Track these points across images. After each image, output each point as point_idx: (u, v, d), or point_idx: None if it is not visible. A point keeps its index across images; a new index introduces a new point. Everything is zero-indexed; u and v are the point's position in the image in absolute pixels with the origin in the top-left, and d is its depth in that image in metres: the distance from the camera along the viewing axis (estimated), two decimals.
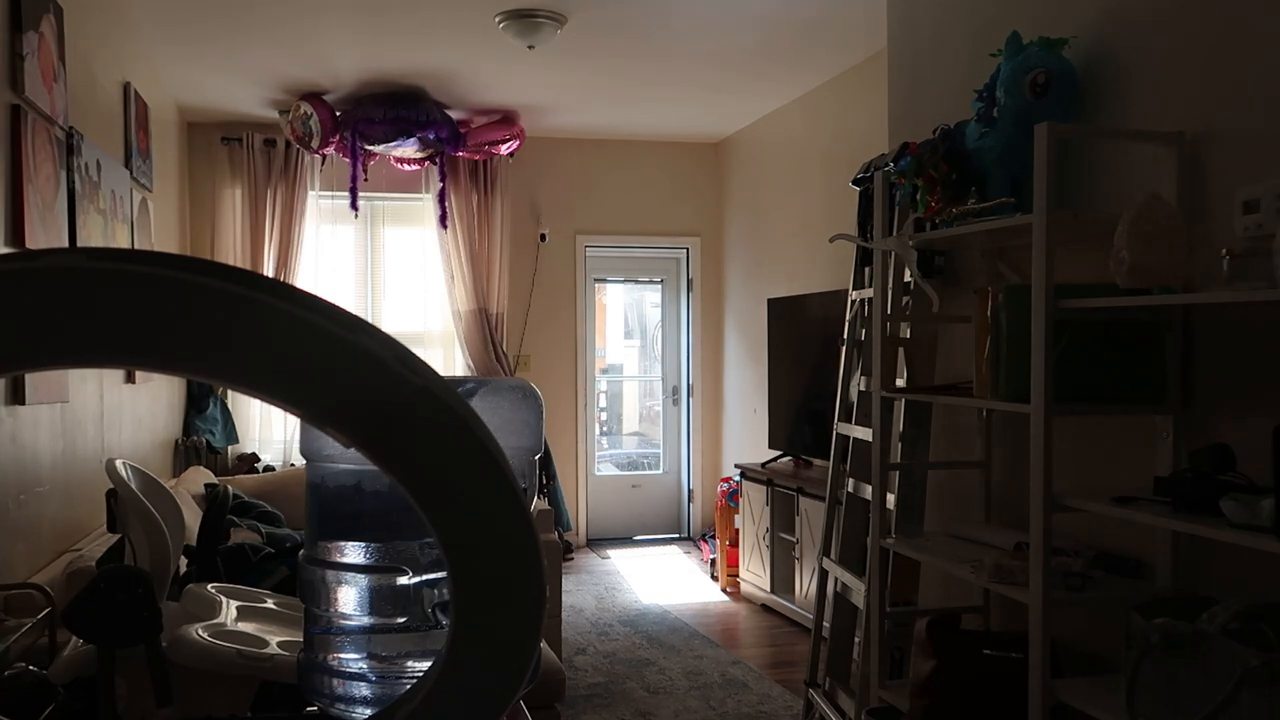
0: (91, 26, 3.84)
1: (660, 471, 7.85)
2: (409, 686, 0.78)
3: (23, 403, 2.84)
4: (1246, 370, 2.22)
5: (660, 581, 6.39)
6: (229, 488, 2.98)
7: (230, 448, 6.37)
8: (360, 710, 0.94)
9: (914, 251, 2.92)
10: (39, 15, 3.08)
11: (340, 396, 0.52)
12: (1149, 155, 2.45)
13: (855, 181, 3.75)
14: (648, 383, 8.15)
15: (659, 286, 7.89)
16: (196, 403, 6.05)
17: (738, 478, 6.08)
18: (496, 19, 4.62)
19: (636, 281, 8.00)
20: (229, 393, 6.34)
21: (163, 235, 5.31)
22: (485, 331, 6.90)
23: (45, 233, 3.09)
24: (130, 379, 4.35)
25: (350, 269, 7.02)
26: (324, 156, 6.47)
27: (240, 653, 1.42)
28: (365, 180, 6.26)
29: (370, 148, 6.11)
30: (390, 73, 5.63)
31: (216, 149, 6.58)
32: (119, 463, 1.74)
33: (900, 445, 3.28)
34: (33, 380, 2.87)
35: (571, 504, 7.30)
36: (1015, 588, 2.38)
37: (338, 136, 6.04)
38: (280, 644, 1.47)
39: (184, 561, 2.14)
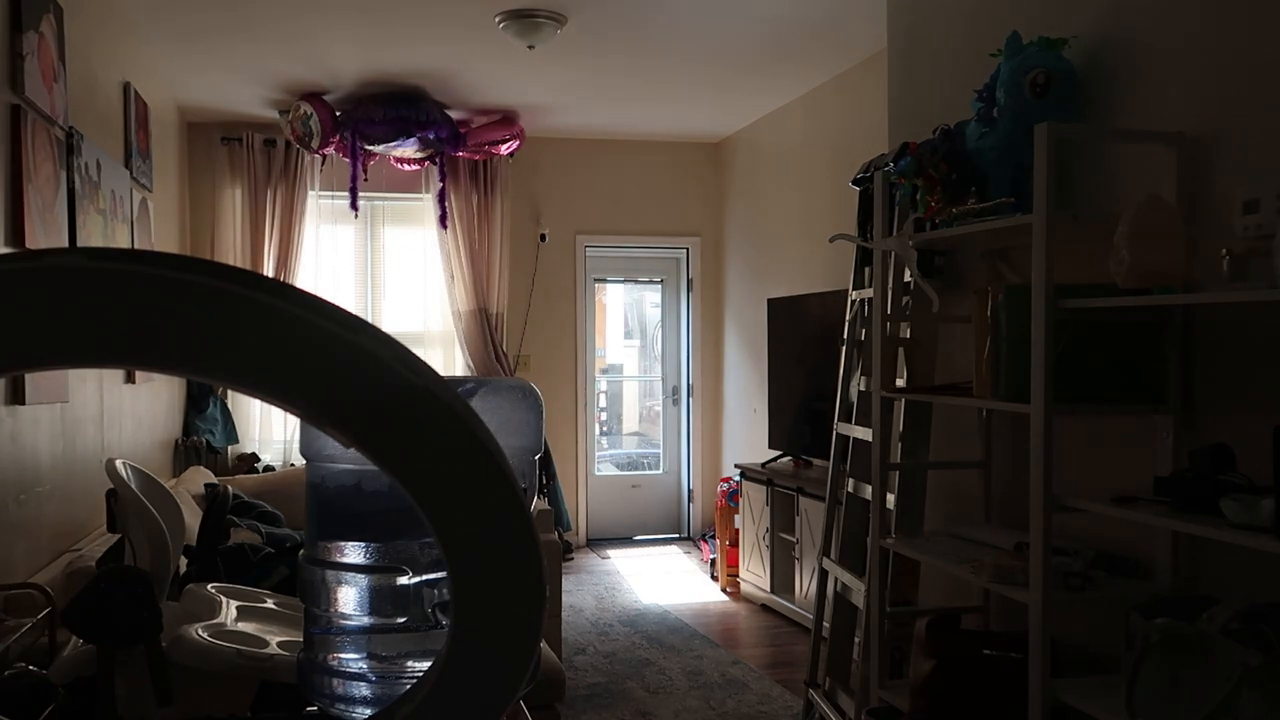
0: (91, 26, 3.84)
1: (660, 471, 7.85)
2: (409, 686, 0.78)
3: (23, 403, 2.84)
4: (1246, 370, 2.23)
5: (660, 581, 6.39)
6: (229, 488, 2.98)
7: (230, 448, 6.37)
8: (360, 710, 0.94)
9: (914, 251, 2.92)
10: (39, 15, 3.08)
11: (340, 396, 0.52)
12: (1149, 155, 2.45)
13: (855, 181, 3.75)
14: (648, 383, 8.15)
15: (659, 286, 7.89)
16: (196, 403, 6.05)
17: (738, 478, 6.08)
18: (496, 19, 4.62)
19: (636, 281, 8.00)
20: (229, 393, 6.34)
21: (163, 235, 5.31)
22: (485, 331, 6.90)
23: (45, 233, 3.09)
24: (130, 379, 4.35)
25: (350, 269, 7.02)
26: (324, 156, 6.47)
27: (240, 653, 1.42)
28: (365, 180, 6.26)
29: (370, 148, 6.10)
30: (390, 73, 5.63)
31: (216, 149, 6.58)
32: (119, 463, 1.74)
33: (900, 445, 3.28)
34: (33, 380, 2.87)
35: (571, 504, 7.30)
36: (1015, 588, 2.38)
37: (338, 136, 6.04)
38: (280, 644, 1.47)
39: (184, 561, 2.14)
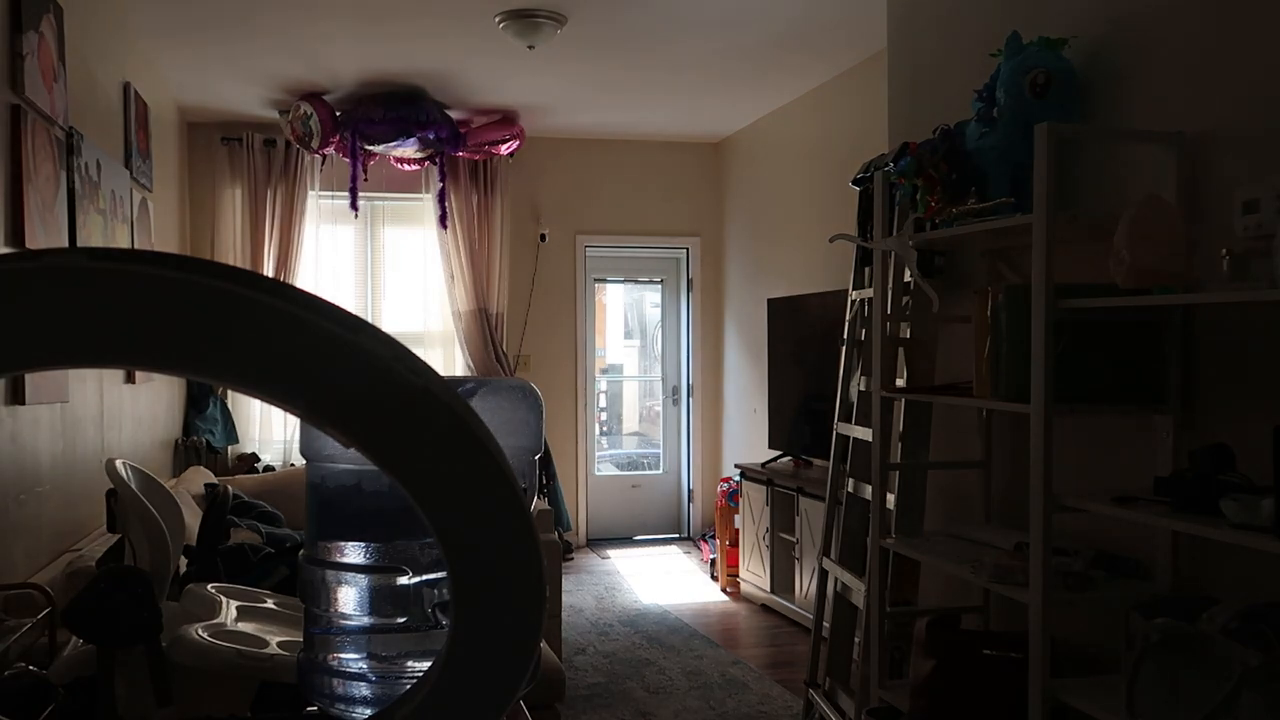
0: (91, 26, 3.84)
1: (660, 471, 7.85)
2: (409, 686, 0.78)
3: (23, 403, 2.84)
4: (1246, 370, 2.23)
5: (660, 581, 6.39)
6: (229, 488, 2.98)
7: (230, 448, 6.36)
8: (360, 710, 0.94)
9: (914, 251, 2.92)
10: (39, 15, 3.08)
11: (340, 396, 0.52)
12: (1149, 155, 2.45)
13: (855, 181, 3.75)
14: (648, 383, 8.15)
15: (659, 286, 7.89)
16: (196, 403, 6.05)
17: (738, 478, 6.08)
18: (496, 19, 4.62)
19: (636, 281, 8.00)
20: (229, 393, 6.33)
21: (163, 235, 5.31)
22: (485, 331, 6.90)
23: (45, 233, 3.09)
24: (130, 379, 4.35)
25: (350, 269, 7.02)
26: (324, 156, 6.47)
27: (240, 653, 1.42)
28: (365, 180, 6.26)
29: (370, 148, 6.10)
30: (390, 73, 5.63)
31: (216, 149, 6.58)
32: (119, 463, 1.74)
33: (900, 445, 3.28)
34: (33, 380, 2.87)
35: (571, 504, 7.30)
36: (1015, 588, 2.38)
37: (338, 136, 6.04)
38: (280, 644, 1.47)
39: (184, 561, 2.14)
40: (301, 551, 1.01)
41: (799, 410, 5.82)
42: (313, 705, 1.01)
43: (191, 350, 0.50)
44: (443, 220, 6.75)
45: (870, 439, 3.18)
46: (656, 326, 7.95)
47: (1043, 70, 2.56)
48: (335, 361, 0.51)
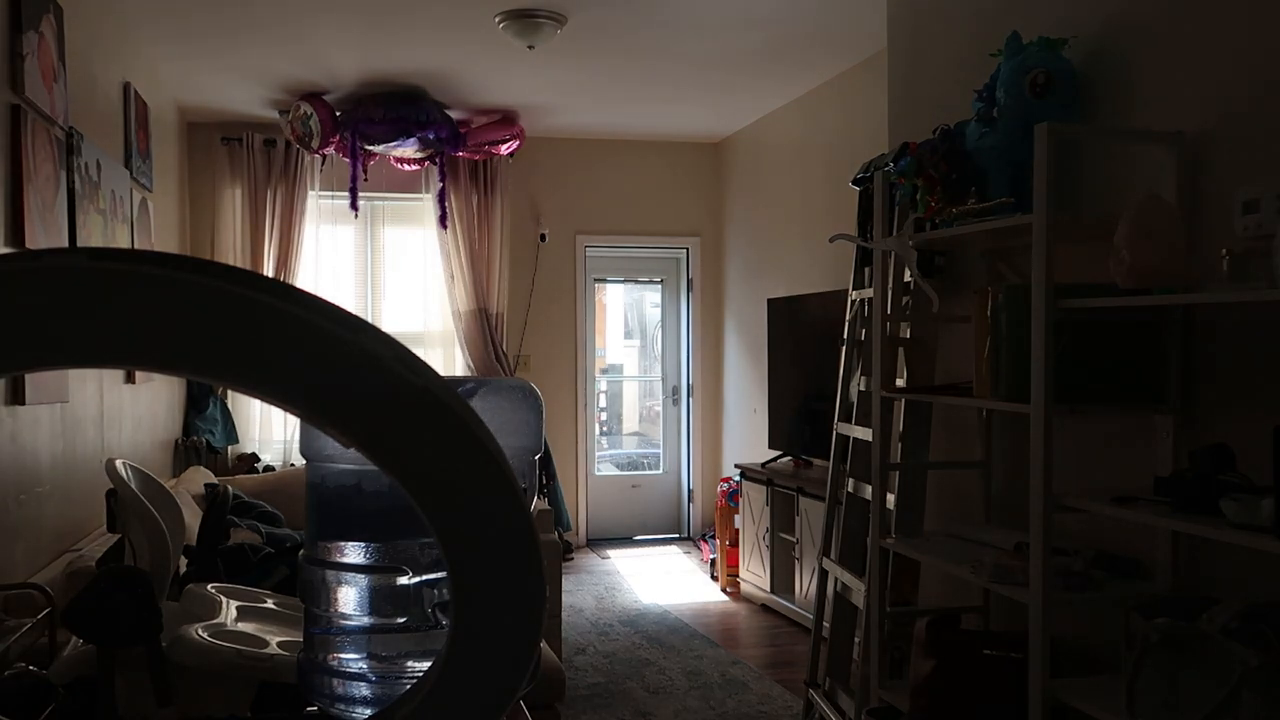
0: (91, 26, 3.84)
1: (660, 471, 7.85)
2: (409, 686, 0.78)
3: (23, 403, 2.84)
4: (1246, 370, 2.23)
5: (660, 581, 6.39)
6: (229, 488, 2.98)
7: (230, 448, 6.36)
8: (360, 710, 0.94)
9: (914, 251, 2.92)
10: (39, 15, 3.08)
11: (340, 396, 0.52)
12: (1149, 155, 2.45)
13: (855, 181, 3.75)
14: (648, 383, 8.15)
15: (659, 286, 7.89)
16: (196, 403, 6.05)
17: (738, 478, 6.08)
18: (496, 19, 4.62)
19: (636, 281, 8.00)
20: (229, 393, 6.34)
21: (163, 235, 5.31)
22: (485, 331, 6.90)
23: (45, 233, 3.09)
24: (130, 379, 4.35)
25: (350, 269, 7.02)
26: (324, 156, 6.47)
27: (240, 653, 1.42)
28: (365, 180, 6.26)
29: (370, 148, 6.10)
30: (390, 73, 5.63)
31: (216, 149, 6.57)
32: (119, 463, 1.74)
33: (900, 445, 3.28)
34: (33, 380, 2.87)
35: (571, 504, 7.30)
36: (1015, 588, 2.38)
37: (338, 136, 6.04)
38: (280, 644, 1.47)
39: (184, 561, 2.14)
40: (301, 551, 1.01)
41: (799, 410, 5.81)
42: (313, 705, 1.01)
43: (191, 350, 0.50)
44: (443, 220, 6.75)
45: (870, 439, 3.18)
46: (656, 326, 7.95)
47: (1043, 70, 2.56)
48: (335, 361, 0.51)
